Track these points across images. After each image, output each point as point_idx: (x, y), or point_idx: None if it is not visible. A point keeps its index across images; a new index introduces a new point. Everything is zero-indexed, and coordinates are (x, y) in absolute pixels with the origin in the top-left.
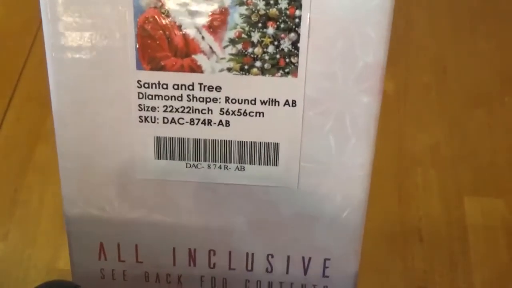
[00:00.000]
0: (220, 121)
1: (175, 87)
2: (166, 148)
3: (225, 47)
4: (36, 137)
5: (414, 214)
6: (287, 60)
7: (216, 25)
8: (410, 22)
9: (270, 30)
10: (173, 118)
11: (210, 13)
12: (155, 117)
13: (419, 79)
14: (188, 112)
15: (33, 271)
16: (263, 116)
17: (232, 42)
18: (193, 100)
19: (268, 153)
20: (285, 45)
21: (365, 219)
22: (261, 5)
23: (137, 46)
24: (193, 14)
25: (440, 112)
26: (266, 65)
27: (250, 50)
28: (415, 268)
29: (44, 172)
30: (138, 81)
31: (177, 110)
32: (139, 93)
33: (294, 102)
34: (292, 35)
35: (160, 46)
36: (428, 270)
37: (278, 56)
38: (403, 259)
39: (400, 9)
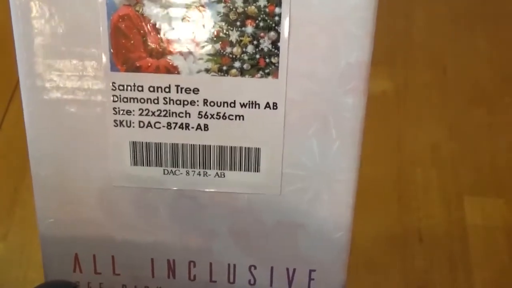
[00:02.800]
0: (199, 125)
1: (151, 89)
2: (142, 154)
3: (202, 47)
4: None
5: (414, 214)
6: (267, 60)
7: (193, 24)
8: (410, 22)
9: (249, 29)
10: (149, 122)
11: (187, 11)
12: (130, 121)
13: (419, 79)
14: (165, 115)
15: (33, 271)
16: (243, 119)
17: (210, 41)
18: (170, 103)
19: (249, 159)
20: (265, 44)
21: (364, 219)
22: (239, 2)
23: (111, 47)
24: (169, 12)
25: (440, 112)
26: (245, 66)
27: (228, 50)
28: (415, 268)
29: None
30: (113, 83)
31: (153, 113)
32: (113, 95)
33: (275, 105)
34: (272, 34)
35: (134, 46)
36: (428, 270)
37: (257, 56)
38: (403, 259)
39: (400, 8)
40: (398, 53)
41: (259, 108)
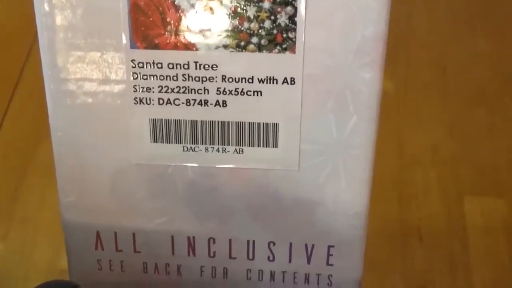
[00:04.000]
0: (217, 101)
1: (170, 66)
2: (162, 131)
3: (220, 23)
4: (36, 137)
5: (414, 214)
6: (284, 35)
7: (211, 0)
8: (410, 22)
9: (266, 4)
10: (168, 99)
11: None
12: (150, 98)
13: (419, 79)
14: (184, 92)
15: (33, 271)
16: (261, 95)
17: (228, 17)
18: (188, 80)
19: (267, 134)
20: (282, 19)
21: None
22: None
23: (131, 24)
24: None
25: (440, 112)
26: (263, 41)
27: (246, 25)
28: (415, 268)
29: (44, 171)
30: (132, 61)
31: (172, 90)
32: (133, 73)
33: (292, 80)
34: (289, 8)
35: (153, 23)
36: (428, 270)
37: (275, 31)
38: (403, 259)
39: (400, 8)
40: (399, 53)
41: (276, 83)
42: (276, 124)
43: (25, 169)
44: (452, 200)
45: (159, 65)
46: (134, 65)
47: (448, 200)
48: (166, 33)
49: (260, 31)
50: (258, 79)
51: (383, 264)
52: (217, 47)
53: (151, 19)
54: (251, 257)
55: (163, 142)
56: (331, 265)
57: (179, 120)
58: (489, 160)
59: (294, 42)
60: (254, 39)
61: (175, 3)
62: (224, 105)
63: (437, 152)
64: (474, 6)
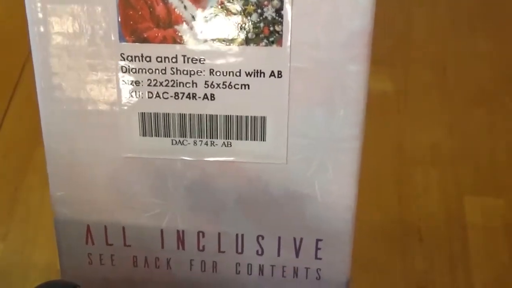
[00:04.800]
0: (205, 94)
1: (159, 59)
2: (151, 124)
3: (208, 17)
4: (36, 137)
5: (414, 214)
6: (271, 28)
7: None
8: (410, 22)
9: None
10: (157, 93)
11: None
12: (139, 92)
13: (419, 79)
14: (172, 85)
15: (33, 271)
16: (248, 88)
17: (215, 11)
18: (177, 73)
19: (255, 128)
20: (269, 12)
21: (365, 219)
22: None
23: (119, 18)
24: None
25: (440, 112)
26: (250, 35)
27: (233, 19)
28: (415, 268)
29: (44, 171)
30: (122, 54)
31: (161, 83)
32: (122, 66)
33: (280, 73)
34: (276, 2)
35: (142, 16)
36: (428, 270)
37: (261, 24)
38: (403, 259)
39: (400, 9)
40: (398, 53)
41: (264, 76)
42: (264, 117)
43: (25, 169)
44: (452, 200)
45: (148, 59)
46: (123, 59)
47: (448, 200)
48: (155, 26)
49: (247, 24)
50: (245, 72)
51: (383, 264)
52: (205, 41)
53: (140, 13)
54: (240, 251)
55: (152, 136)
56: (320, 259)
57: (168, 113)
58: (489, 160)
59: (281, 35)
60: (241, 33)
61: None
62: (212, 98)
63: (437, 152)
64: (474, 6)
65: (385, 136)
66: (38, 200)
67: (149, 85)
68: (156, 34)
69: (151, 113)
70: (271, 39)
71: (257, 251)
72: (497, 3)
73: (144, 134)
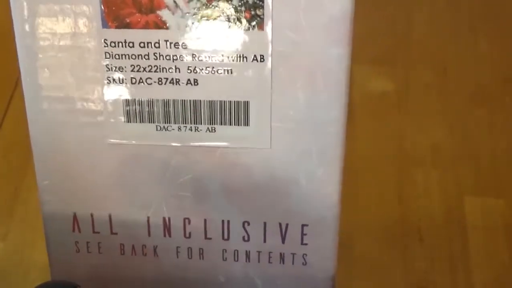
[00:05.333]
0: (188, 80)
1: (141, 45)
2: (135, 111)
3: (189, 1)
4: None
5: (414, 214)
6: (253, 12)
7: None
8: (410, 22)
9: None
10: (140, 78)
11: None
12: (123, 78)
13: (419, 79)
14: (155, 71)
15: (33, 271)
16: (231, 73)
17: None
18: (159, 59)
19: (238, 112)
20: None
21: (365, 219)
22: None
23: (102, 4)
24: None
25: (440, 112)
26: (231, 19)
27: (214, 3)
28: (415, 268)
29: None
30: (105, 40)
31: (144, 69)
32: (106, 52)
33: (262, 57)
34: None
35: (124, 2)
36: (428, 270)
37: (243, 8)
38: (403, 259)
39: (400, 9)
40: (398, 53)
41: (246, 61)
42: (247, 102)
43: (25, 169)
44: (452, 200)
45: (131, 44)
46: (106, 45)
47: (449, 200)
48: (137, 12)
49: (228, 9)
50: (228, 57)
51: (383, 264)
52: (186, 26)
53: None
54: (226, 237)
55: (136, 122)
56: (306, 244)
57: (152, 99)
58: (489, 160)
59: (262, 19)
60: (223, 17)
61: None
62: (196, 83)
63: (437, 152)
64: (474, 6)
65: (385, 136)
66: (38, 200)
67: (132, 70)
68: (139, 20)
69: (135, 99)
70: (252, 23)
71: (243, 237)
72: (497, 3)
73: (128, 121)
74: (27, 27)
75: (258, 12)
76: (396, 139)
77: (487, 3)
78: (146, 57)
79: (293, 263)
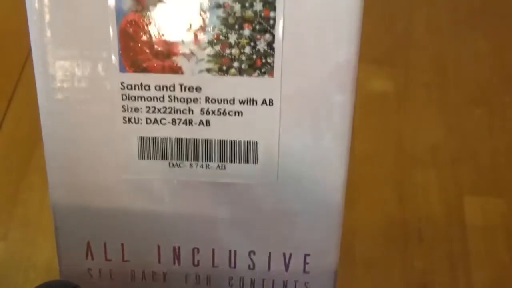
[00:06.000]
0: (201, 120)
1: (157, 88)
2: (149, 148)
3: (204, 49)
4: (36, 137)
5: (414, 214)
6: (263, 60)
7: (195, 27)
8: (410, 22)
9: (247, 32)
10: (155, 119)
11: (189, 16)
12: (138, 118)
13: (419, 79)
14: (170, 112)
15: (33, 271)
16: (242, 115)
17: (211, 43)
18: (174, 101)
19: (247, 151)
20: (261, 46)
21: (365, 219)
22: (237, 7)
23: (120, 49)
24: (173, 17)
25: (440, 112)
26: (243, 66)
27: (228, 51)
28: (415, 268)
29: (44, 172)
30: (122, 83)
31: (159, 110)
32: (122, 94)
33: (271, 101)
34: (268, 36)
35: (141, 48)
36: (428, 270)
37: (254, 56)
38: (403, 259)
39: (400, 9)
40: (398, 53)
41: (256, 104)
42: (256, 142)
43: (25, 169)
44: (452, 200)
45: (147, 87)
46: (123, 87)
47: (448, 200)
48: (154, 58)
49: (241, 56)
50: (239, 100)
51: (383, 264)
52: (200, 71)
53: (139, 45)
54: (232, 265)
55: (150, 159)
56: (308, 272)
57: (166, 138)
58: (489, 160)
59: (272, 67)
60: (235, 64)
61: (162, 30)
62: (208, 124)
63: (437, 152)
64: (474, 6)
65: (385, 136)
66: (38, 200)
67: (147, 111)
68: (155, 65)
69: (149, 137)
70: (263, 70)
71: (249, 266)
72: (497, 3)
73: (142, 157)
74: (47, 69)
75: (269, 60)
76: (396, 139)
77: (486, 3)
78: (161, 99)
79: None
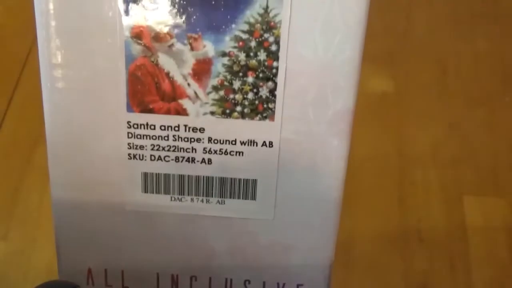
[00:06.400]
0: (203, 159)
1: (162, 128)
2: (152, 183)
3: (208, 93)
4: (36, 137)
5: (414, 214)
6: (265, 105)
7: (201, 73)
8: (410, 22)
9: (250, 79)
10: (159, 156)
11: (195, 63)
12: (143, 155)
13: (419, 79)
14: (173, 150)
15: (33, 271)
16: (242, 155)
17: (215, 89)
18: (178, 140)
19: (246, 189)
20: (263, 92)
21: (365, 219)
22: (242, 56)
23: (128, 91)
24: (180, 62)
25: (440, 112)
26: (246, 110)
27: (231, 96)
28: (415, 268)
29: (44, 172)
30: (128, 122)
31: (163, 148)
32: (128, 132)
33: (271, 143)
34: (270, 83)
35: (149, 91)
36: (428, 270)
37: (257, 102)
38: (403, 259)
39: (400, 9)
40: (398, 53)
41: (256, 146)
42: (255, 180)
43: (25, 170)
44: (452, 200)
45: (152, 127)
46: (129, 126)
47: (448, 200)
48: (160, 100)
49: (243, 101)
50: (240, 141)
51: (383, 264)
52: (205, 113)
53: (146, 87)
54: None
55: (153, 193)
56: None
57: (169, 174)
58: (489, 160)
59: (274, 112)
60: (238, 108)
61: (169, 74)
62: (210, 162)
63: (437, 152)
64: (474, 6)
65: (385, 136)
66: (38, 200)
67: (152, 149)
68: (161, 106)
69: (153, 173)
70: (264, 114)
71: None
72: (497, 3)
73: (146, 191)
74: (59, 108)
75: (270, 106)
76: (396, 139)
77: (486, 3)
78: (166, 138)
79: None
